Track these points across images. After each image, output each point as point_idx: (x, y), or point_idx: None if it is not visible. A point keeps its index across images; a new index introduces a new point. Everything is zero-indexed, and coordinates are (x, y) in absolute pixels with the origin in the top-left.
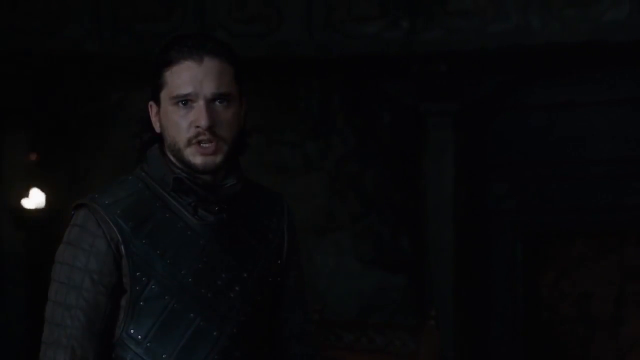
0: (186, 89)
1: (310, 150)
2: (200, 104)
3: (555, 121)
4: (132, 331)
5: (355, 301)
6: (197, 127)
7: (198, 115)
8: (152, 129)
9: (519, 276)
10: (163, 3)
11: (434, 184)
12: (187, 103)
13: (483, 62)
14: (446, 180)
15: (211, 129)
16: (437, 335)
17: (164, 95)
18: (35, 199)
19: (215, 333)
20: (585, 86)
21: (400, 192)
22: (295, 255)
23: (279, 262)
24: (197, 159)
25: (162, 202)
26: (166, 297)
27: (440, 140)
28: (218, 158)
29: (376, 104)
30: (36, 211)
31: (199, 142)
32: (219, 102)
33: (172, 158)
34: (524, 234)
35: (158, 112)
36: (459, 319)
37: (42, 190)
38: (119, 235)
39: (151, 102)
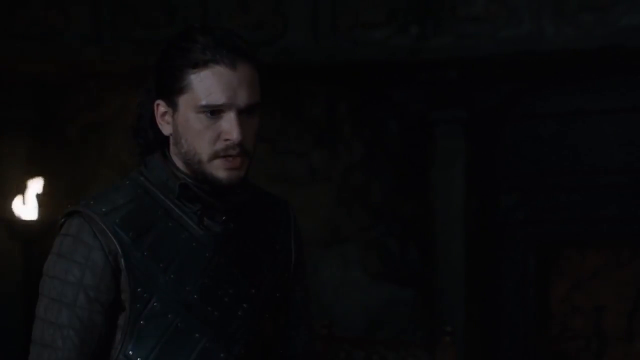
0: (219, 100)
1: (315, 159)
2: (231, 116)
3: (568, 130)
4: (130, 353)
5: (362, 315)
6: (227, 140)
7: (229, 127)
8: (156, 129)
9: (530, 289)
10: (164, 9)
11: (443, 194)
12: (216, 113)
13: (494, 69)
14: (456, 190)
15: (241, 142)
16: (454, 352)
17: (185, 100)
18: (32, 210)
19: (222, 355)
20: (599, 94)
21: (409, 203)
22: (302, 268)
23: (286, 275)
24: (221, 173)
25: (164, 210)
26: (169, 316)
27: (450, 149)
28: (242, 172)
29: (384, 112)
30: (33, 222)
31: (225, 156)
32: (247, 113)
33: (181, 164)
34: (535, 245)
35: (169, 114)
36: (470, 332)
37: (40, 200)
38: (118, 247)
39: (159, 101)
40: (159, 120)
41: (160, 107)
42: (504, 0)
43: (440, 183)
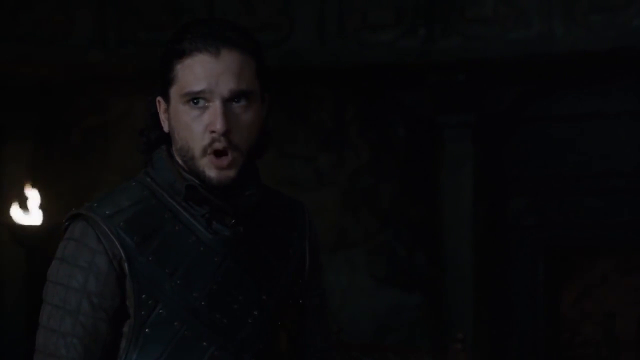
0: (199, 86)
1: (322, 163)
2: (215, 105)
3: (578, 133)
4: None
5: (369, 321)
6: (212, 132)
7: (212, 117)
8: (161, 127)
9: (539, 295)
10: (169, 11)
11: (452, 198)
12: (200, 102)
13: (503, 72)
14: (464, 194)
15: (227, 135)
16: (464, 359)
17: (174, 91)
18: (35, 215)
19: None
20: (610, 96)
21: (416, 207)
22: (318, 273)
23: (300, 281)
24: (212, 172)
25: (170, 212)
26: (176, 323)
27: (458, 153)
28: (232, 172)
29: (391, 116)
30: (36, 227)
31: (214, 152)
32: (236, 101)
33: (181, 162)
34: (545, 250)
35: (167, 110)
36: (478, 339)
37: (43, 205)
38: (122, 252)
39: (159, 98)
40: (161, 117)
41: (161, 103)
42: (513, 1)
43: (449, 187)
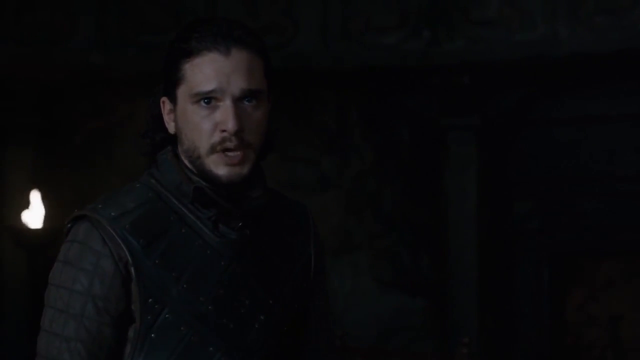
0: (210, 85)
1: (326, 166)
2: (226, 104)
3: (583, 136)
4: None
5: (373, 325)
6: (223, 131)
7: (224, 116)
8: (165, 128)
9: (544, 299)
10: (171, 13)
11: (456, 201)
12: (211, 102)
13: (508, 74)
14: (468, 198)
15: (239, 133)
16: None
17: (182, 91)
18: (37, 218)
19: None
20: (614, 99)
21: (420, 211)
22: (322, 276)
23: (305, 285)
24: (221, 170)
25: (176, 215)
26: (182, 328)
27: (462, 156)
28: (245, 169)
29: (395, 119)
30: (38, 231)
31: (224, 150)
32: (247, 101)
33: (188, 164)
34: (549, 254)
35: (173, 111)
36: (483, 342)
37: (45, 208)
38: (128, 255)
39: (164, 98)
40: (165, 118)
41: (166, 104)
42: (517, 3)
43: (453, 190)
